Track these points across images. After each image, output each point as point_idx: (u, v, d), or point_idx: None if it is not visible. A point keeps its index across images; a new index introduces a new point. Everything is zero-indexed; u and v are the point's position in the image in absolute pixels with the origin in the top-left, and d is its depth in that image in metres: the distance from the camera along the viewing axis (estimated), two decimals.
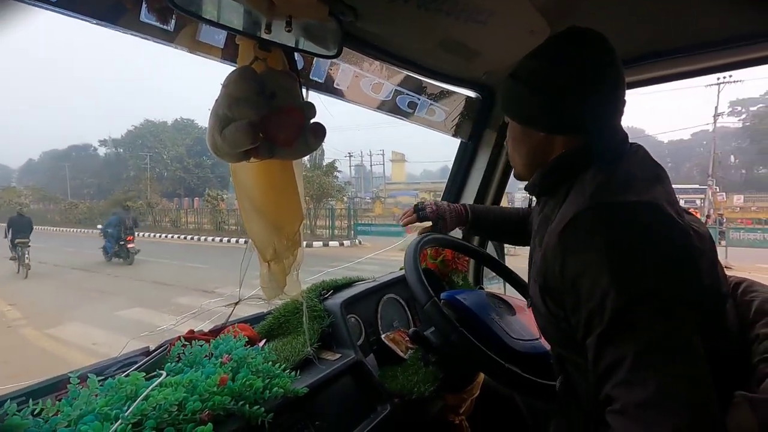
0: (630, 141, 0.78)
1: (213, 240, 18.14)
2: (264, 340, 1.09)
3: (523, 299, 1.30)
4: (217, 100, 0.66)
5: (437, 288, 1.30)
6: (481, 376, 1.21)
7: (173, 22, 0.70)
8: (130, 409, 0.65)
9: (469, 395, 1.18)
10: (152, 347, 1.00)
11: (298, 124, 0.71)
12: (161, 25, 0.70)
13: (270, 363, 0.85)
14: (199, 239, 19.01)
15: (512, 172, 0.93)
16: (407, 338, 1.26)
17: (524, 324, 1.12)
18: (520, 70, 0.79)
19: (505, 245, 1.85)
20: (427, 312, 0.97)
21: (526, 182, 0.88)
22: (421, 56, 1.22)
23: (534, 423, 1.17)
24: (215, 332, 1.08)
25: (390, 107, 1.32)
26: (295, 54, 0.86)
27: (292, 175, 0.79)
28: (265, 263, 0.83)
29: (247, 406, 0.74)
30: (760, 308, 0.72)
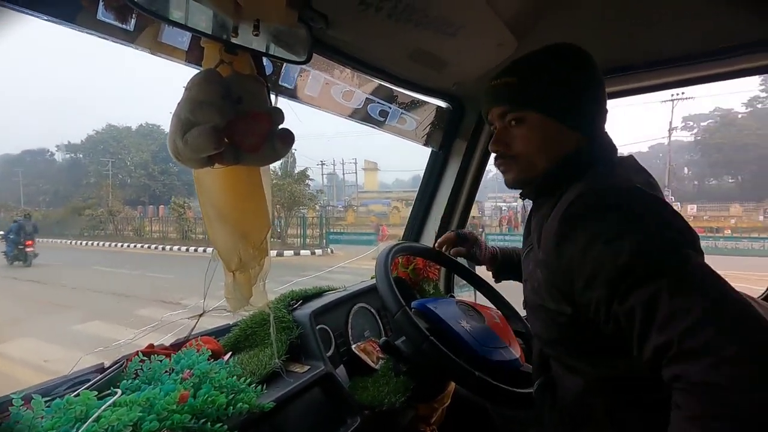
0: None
1: (179, 249, 17.51)
2: (230, 354, 1.05)
3: (494, 307, 1.31)
4: (179, 104, 0.63)
5: (408, 296, 1.30)
6: (452, 385, 1.21)
7: (133, 21, 0.68)
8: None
9: (440, 405, 1.18)
10: (108, 364, 0.95)
11: (264, 130, 0.70)
12: (120, 24, 0.67)
13: (235, 377, 0.82)
14: (164, 248, 18.30)
15: (513, 179, 0.88)
16: (378, 348, 1.24)
17: (494, 332, 1.12)
18: (540, 67, 0.83)
19: None
20: (397, 321, 0.97)
21: (521, 189, 0.90)
22: (391, 65, 1.22)
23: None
24: (177, 346, 1.03)
25: (361, 115, 1.32)
26: (264, 59, 0.85)
27: (259, 182, 0.77)
28: (230, 273, 0.80)
29: (209, 423, 0.71)
30: None
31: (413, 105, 1.48)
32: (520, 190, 0.91)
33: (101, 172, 38.23)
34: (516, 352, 1.09)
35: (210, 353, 0.91)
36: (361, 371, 1.17)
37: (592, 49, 1.30)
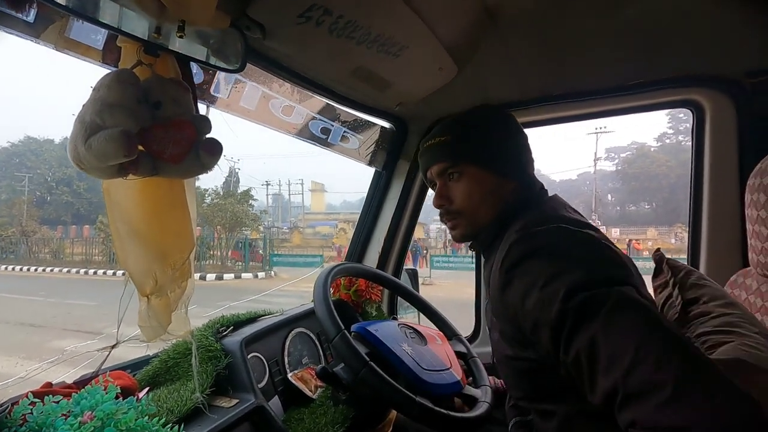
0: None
1: (105, 273, 16.01)
2: (146, 390, 0.93)
3: (436, 329, 1.29)
4: (84, 105, 0.56)
5: (350, 319, 1.24)
6: (393, 414, 1.17)
7: (33, 12, 0.59)
8: None
9: None
10: None
11: (187, 139, 0.63)
12: (16, 14, 0.59)
13: (146, 418, 0.71)
14: (86, 272, 16.67)
15: (462, 234, 0.93)
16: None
17: (435, 354, 1.10)
18: (470, 124, 0.92)
19: (419, 275, 1.87)
20: (335, 346, 0.91)
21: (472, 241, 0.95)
22: (334, 83, 1.20)
23: None
24: (82, 383, 0.89)
25: (302, 132, 1.28)
26: (194, 66, 0.79)
27: (182, 196, 0.70)
28: (144, 298, 0.71)
29: None
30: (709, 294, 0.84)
31: (357, 124, 1.46)
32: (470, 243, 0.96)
33: (15, 188, 34.49)
34: (458, 374, 1.07)
35: (119, 390, 0.80)
36: (298, 401, 1.09)
37: (525, 78, 1.39)
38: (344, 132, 1.41)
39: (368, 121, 1.51)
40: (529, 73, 1.36)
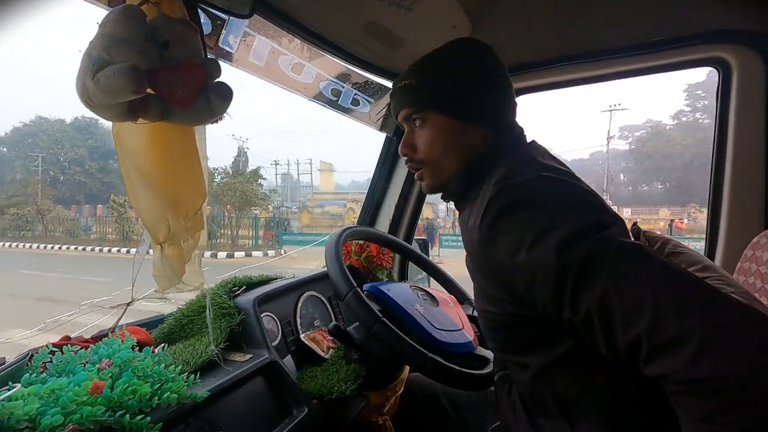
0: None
1: (119, 251, 16.33)
2: (162, 346, 0.95)
3: (447, 293, 1.29)
4: (91, 42, 0.54)
5: (361, 283, 1.25)
6: (405, 373, 1.17)
7: None
8: None
9: (392, 393, 1.13)
10: (12, 359, 0.81)
11: (197, 82, 0.62)
12: None
13: (162, 366, 0.72)
14: (101, 250, 17.01)
15: (428, 185, 0.87)
16: (329, 337, 1.18)
17: (447, 315, 1.10)
18: (438, 66, 0.82)
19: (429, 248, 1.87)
20: (348, 303, 0.91)
21: (440, 194, 0.88)
22: (344, 40, 1.17)
23: (458, 422, 1.15)
24: (99, 338, 0.91)
25: (312, 92, 1.25)
26: (201, 15, 0.77)
27: (192, 145, 0.69)
28: (158, 246, 0.70)
29: (128, 416, 0.61)
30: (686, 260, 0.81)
31: (368, 87, 1.43)
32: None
33: (29, 168, 34.99)
34: (469, 335, 1.07)
35: (135, 342, 0.81)
36: (310, 361, 1.11)
37: (542, 38, 1.33)
38: (355, 94, 1.38)
39: (380, 85, 1.47)
40: (546, 32, 1.31)
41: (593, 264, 0.54)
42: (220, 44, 0.91)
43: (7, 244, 19.79)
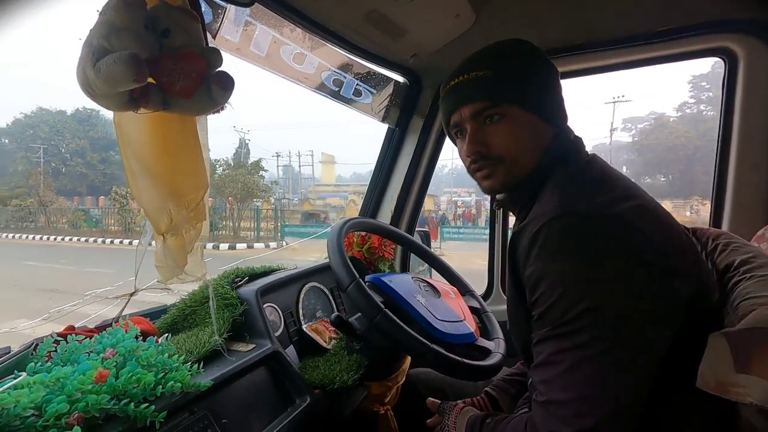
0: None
1: (121, 242, 16.37)
2: (165, 335, 0.95)
3: (449, 285, 1.29)
4: (91, 29, 0.54)
5: (362, 274, 1.25)
6: (406, 364, 1.18)
7: None
8: None
9: (394, 383, 1.14)
10: (16, 348, 0.82)
11: (198, 72, 0.61)
12: None
13: (166, 355, 0.73)
14: (104, 242, 17.06)
15: (499, 182, 0.80)
16: (331, 328, 1.19)
17: (449, 306, 1.10)
18: (510, 58, 0.80)
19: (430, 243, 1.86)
20: (349, 294, 0.91)
21: (505, 193, 0.84)
22: (346, 30, 1.16)
23: None
24: (103, 328, 0.91)
25: (314, 83, 1.24)
26: (202, 4, 0.76)
27: (194, 135, 0.68)
28: (160, 237, 0.70)
29: (133, 405, 0.62)
30: (738, 260, 0.77)
31: (370, 77, 1.42)
32: (493, 196, 0.89)
33: (31, 159, 34.97)
34: (471, 326, 1.07)
35: (138, 332, 0.81)
36: (313, 352, 1.11)
37: (547, 26, 1.31)
38: (357, 85, 1.37)
39: (382, 75, 1.46)
40: (551, 21, 1.29)
41: (567, 326, 0.62)
42: (223, 35, 0.90)
43: (11, 235, 19.87)
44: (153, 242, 0.80)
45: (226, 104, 0.68)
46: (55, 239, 18.54)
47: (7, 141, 40.00)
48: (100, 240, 17.39)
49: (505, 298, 1.68)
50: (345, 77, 1.32)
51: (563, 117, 0.82)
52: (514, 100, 0.76)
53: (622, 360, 0.59)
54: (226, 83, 0.64)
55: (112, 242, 16.81)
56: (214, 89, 0.63)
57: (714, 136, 1.30)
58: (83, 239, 18.00)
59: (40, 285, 7.86)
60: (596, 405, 0.59)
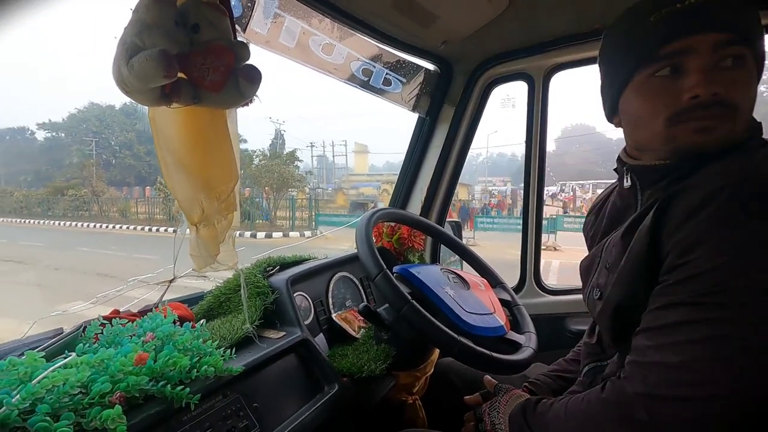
0: None
1: (166, 230, 17.24)
2: (201, 322, 1.00)
3: (479, 277, 1.27)
4: (125, 28, 0.56)
5: (391, 265, 1.25)
6: (435, 354, 1.18)
7: None
8: (19, 393, 0.55)
9: (422, 374, 1.14)
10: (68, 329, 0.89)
11: (226, 66, 0.62)
12: None
13: (200, 340, 0.76)
14: (150, 230, 18.03)
15: (725, 136, 0.63)
16: (360, 318, 1.20)
17: (478, 298, 1.08)
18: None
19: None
20: (377, 284, 0.92)
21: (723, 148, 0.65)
22: (374, 18, 1.14)
23: None
24: (144, 312, 0.97)
25: (343, 73, 1.24)
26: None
27: (224, 129, 0.70)
28: (193, 227, 0.73)
29: (170, 387, 0.65)
30: None
31: (399, 66, 1.40)
32: (624, 166, 0.80)
33: (84, 151, 37.32)
34: (501, 319, 1.05)
35: (176, 317, 0.86)
36: (342, 340, 1.13)
37: (583, 9, 1.24)
38: (386, 74, 1.35)
39: (412, 64, 1.44)
40: (587, 2, 1.22)
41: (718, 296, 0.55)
42: (252, 27, 0.92)
43: (67, 223, 21.35)
44: (188, 231, 0.83)
45: (254, 97, 0.68)
46: (106, 227, 19.75)
47: (63, 135, 42.81)
48: (146, 228, 18.36)
49: (549, 287, 1.63)
50: (374, 67, 1.31)
51: None
52: (755, 43, 0.64)
53: (765, 345, 0.53)
54: (254, 76, 0.65)
55: (157, 230, 17.71)
56: (242, 82, 0.64)
57: None
58: (131, 227, 19.07)
59: (93, 269, 8.42)
60: (716, 382, 0.53)
